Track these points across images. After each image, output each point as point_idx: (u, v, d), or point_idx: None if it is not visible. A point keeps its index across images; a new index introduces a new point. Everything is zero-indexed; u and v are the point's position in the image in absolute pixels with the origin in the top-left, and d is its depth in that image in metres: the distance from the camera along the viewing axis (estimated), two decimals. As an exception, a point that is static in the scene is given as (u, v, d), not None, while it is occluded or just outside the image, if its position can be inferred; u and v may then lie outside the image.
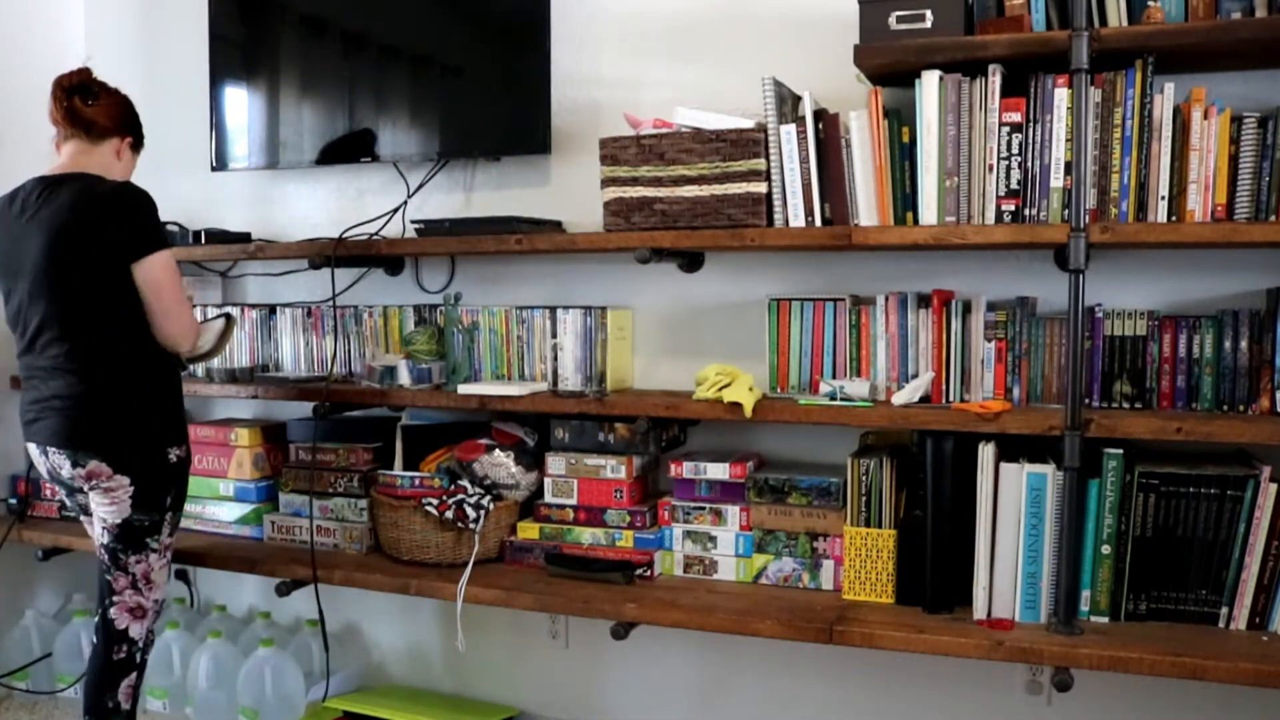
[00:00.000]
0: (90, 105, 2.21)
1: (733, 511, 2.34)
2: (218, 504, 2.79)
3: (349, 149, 2.74)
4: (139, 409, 2.18)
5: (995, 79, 2.01)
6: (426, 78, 2.65)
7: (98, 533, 2.24)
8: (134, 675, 2.26)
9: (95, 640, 2.26)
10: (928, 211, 2.07)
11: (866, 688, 2.47)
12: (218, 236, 2.80)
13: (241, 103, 2.87)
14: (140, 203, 2.16)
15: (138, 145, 2.32)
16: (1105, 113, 1.97)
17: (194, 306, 2.46)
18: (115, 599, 2.23)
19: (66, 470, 2.18)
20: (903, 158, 2.11)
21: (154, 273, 2.14)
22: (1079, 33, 1.89)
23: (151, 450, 2.19)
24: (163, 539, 2.24)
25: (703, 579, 2.36)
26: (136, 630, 2.25)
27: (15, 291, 2.19)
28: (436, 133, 2.64)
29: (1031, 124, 2.01)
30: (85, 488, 2.19)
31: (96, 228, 2.10)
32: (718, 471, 2.34)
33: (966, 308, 2.19)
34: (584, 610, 2.26)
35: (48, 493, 2.95)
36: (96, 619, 2.26)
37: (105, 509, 2.19)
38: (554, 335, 2.52)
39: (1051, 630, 2.00)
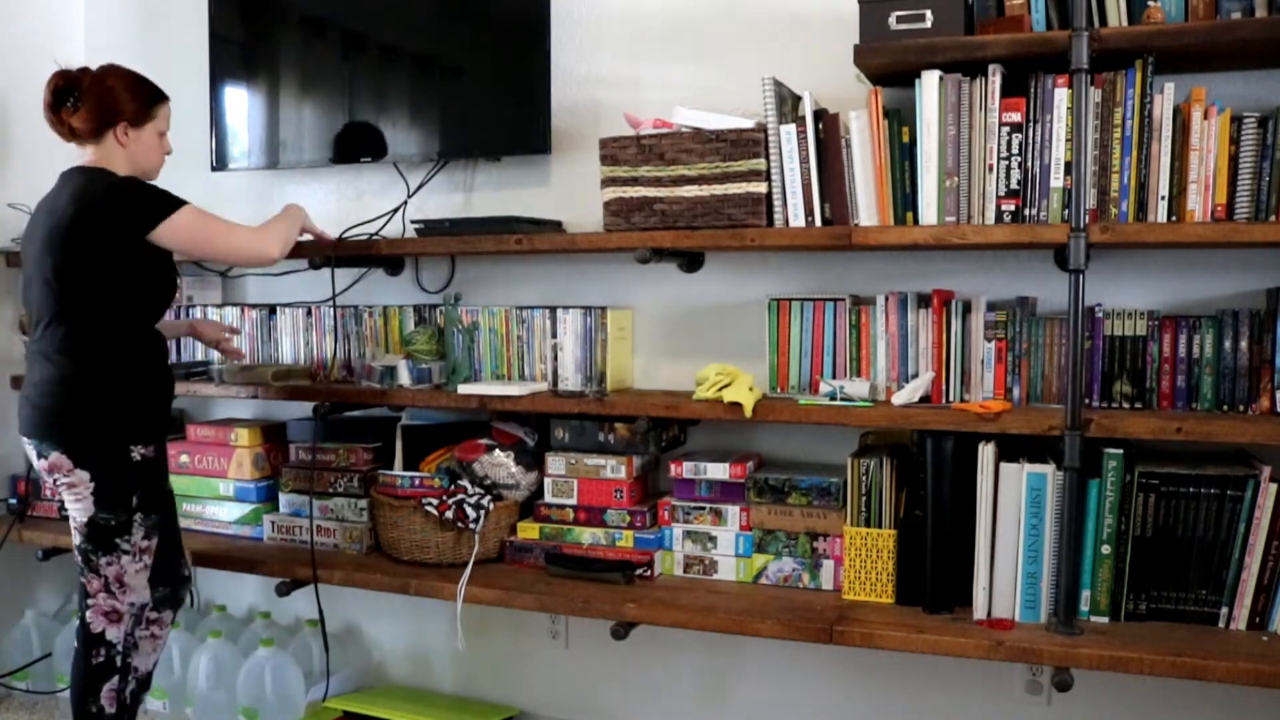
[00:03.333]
0: (75, 110, 2.20)
1: (733, 511, 2.34)
2: (218, 504, 2.79)
3: (349, 149, 2.74)
4: (105, 403, 2.16)
5: (995, 79, 2.01)
6: (426, 78, 2.65)
7: (72, 532, 2.23)
8: (116, 679, 2.24)
9: (76, 645, 2.25)
10: (928, 211, 2.07)
11: (866, 688, 2.47)
12: (218, 236, 2.80)
13: (241, 102, 2.87)
14: (133, 186, 2.17)
15: (140, 120, 2.25)
16: (1105, 113, 1.97)
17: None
18: (90, 602, 2.22)
19: (35, 461, 2.19)
20: (903, 158, 2.11)
21: (177, 232, 2.16)
22: (1079, 33, 1.89)
23: (113, 446, 2.16)
24: (135, 540, 2.20)
25: (703, 579, 2.36)
26: (114, 634, 2.23)
27: (25, 277, 2.26)
28: (436, 133, 2.64)
29: (1031, 124, 2.01)
30: (52, 481, 2.19)
31: (92, 225, 2.11)
32: (718, 471, 2.34)
33: (966, 308, 2.19)
34: (584, 610, 2.26)
35: (48, 492, 2.94)
36: (77, 623, 2.26)
37: (72, 505, 2.19)
38: (554, 335, 2.52)
39: (1051, 630, 2.00)
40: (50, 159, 2.30)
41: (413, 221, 2.58)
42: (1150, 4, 1.93)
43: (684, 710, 2.64)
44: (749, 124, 2.20)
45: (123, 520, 2.18)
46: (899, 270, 2.35)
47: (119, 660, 2.24)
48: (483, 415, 2.62)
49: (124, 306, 2.18)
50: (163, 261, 2.23)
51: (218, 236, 2.24)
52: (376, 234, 2.68)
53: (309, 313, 2.81)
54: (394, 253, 2.61)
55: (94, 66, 2.27)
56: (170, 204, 2.17)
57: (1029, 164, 2.02)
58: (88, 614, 2.22)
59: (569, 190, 2.62)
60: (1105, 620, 2.04)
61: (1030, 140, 2.01)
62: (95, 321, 2.16)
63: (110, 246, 2.13)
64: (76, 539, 2.21)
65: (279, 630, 2.93)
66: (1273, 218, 1.93)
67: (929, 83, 2.04)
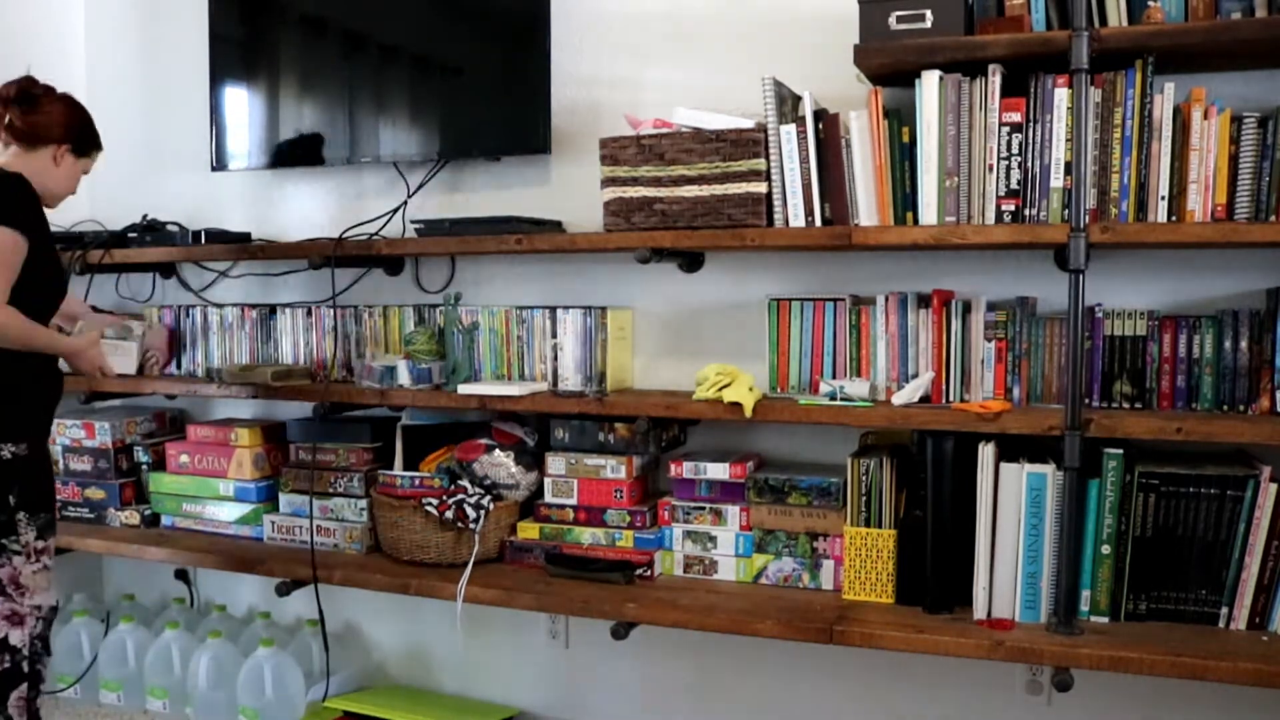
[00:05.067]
0: (27, 115, 2.19)
1: (733, 511, 2.34)
2: (218, 504, 2.79)
3: (349, 149, 2.74)
4: None
5: (995, 79, 2.01)
6: (426, 78, 2.65)
7: None
8: (24, 686, 2.17)
9: None
10: (928, 211, 2.07)
11: (866, 688, 2.47)
12: (218, 236, 2.80)
13: (241, 103, 2.87)
14: (8, 184, 2.11)
15: (81, 150, 2.28)
16: (1105, 113, 1.97)
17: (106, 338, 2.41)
18: None
19: None
20: (903, 158, 2.11)
21: None
22: (1079, 33, 1.89)
23: None
24: (25, 540, 2.16)
25: (703, 579, 2.36)
26: (17, 637, 2.16)
27: None
28: (436, 133, 2.64)
29: (1031, 124, 2.01)
30: None
31: None
32: (718, 471, 2.34)
33: (966, 308, 2.19)
34: (584, 610, 2.26)
35: (48, 493, 2.95)
36: None
37: None
38: (554, 335, 2.52)
39: (1051, 630, 2.00)
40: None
41: (413, 221, 2.58)
42: (1150, 4, 1.93)
43: (684, 710, 2.64)
44: (749, 124, 2.20)
45: (3, 520, 2.14)
46: (899, 270, 2.35)
47: (25, 666, 2.18)
48: (483, 415, 2.63)
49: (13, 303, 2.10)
50: (52, 262, 2.20)
51: None
52: (376, 234, 2.68)
53: (309, 313, 2.81)
54: (394, 253, 2.61)
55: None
56: (7, 217, 2.08)
57: (1029, 164, 2.01)
58: None
59: (569, 190, 2.62)
60: (1105, 620, 2.04)
61: (1030, 140, 2.01)
62: None
63: None
64: None
65: (279, 630, 2.93)
66: (1273, 218, 1.93)
67: (929, 83, 2.04)
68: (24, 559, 2.17)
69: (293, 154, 2.81)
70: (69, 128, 2.25)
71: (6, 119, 2.20)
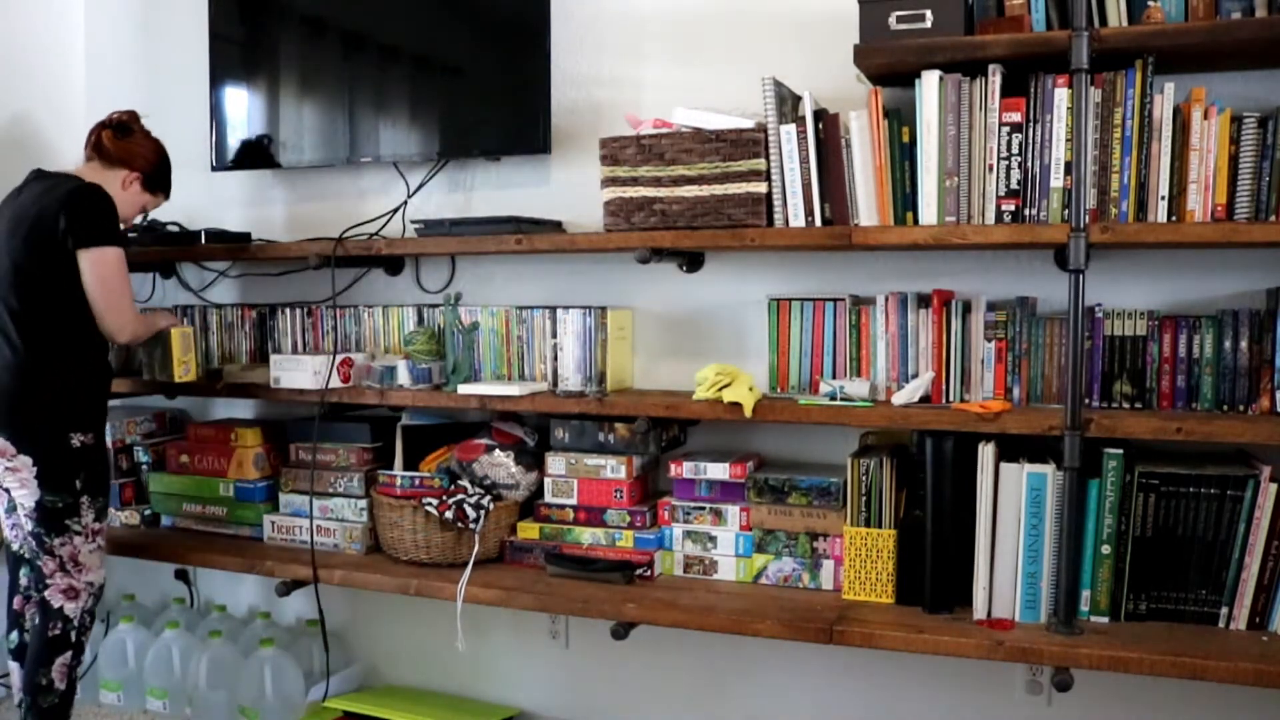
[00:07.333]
0: (117, 140, 2.44)
1: (733, 511, 2.34)
2: (218, 504, 2.79)
3: (348, 149, 2.74)
4: (46, 393, 2.28)
5: (995, 79, 2.01)
6: (426, 78, 2.65)
7: (22, 519, 2.35)
8: (69, 654, 2.36)
9: (34, 621, 2.37)
10: (928, 211, 2.07)
11: (866, 688, 2.47)
12: (218, 236, 2.80)
13: (241, 102, 2.87)
14: (98, 200, 2.31)
15: (151, 186, 2.51)
16: (1105, 113, 1.97)
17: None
18: (49, 582, 2.34)
19: None
20: (903, 158, 2.11)
21: (100, 265, 2.29)
22: (1079, 33, 1.89)
23: (52, 433, 2.29)
24: (85, 521, 2.34)
25: (703, 579, 2.36)
26: (71, 609, 2.35)
27: None
28: (436, 133, 2.64)
29: (1031, 124, 2.01)
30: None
31: (51, 218, 2.26)
32: (718, 471, 2.34)
33: (966, 308, 2.19)
34: (584, 610, 2.26)
35: None
36: (34, 603, 2.37)
37: (18, 491, 2.31)
38: (554, 335, 2.52)
39: (1051, 630, 2.00)
40: (46, 155, 2.33)
41: (413, 221, 2.58)
42: (1150, 4, 1.93)
43: (684, 710, 2.64)
44: (749, 124, 2.20)
45: (69, 502, 2.32)
46: (899, 270, 2.35)
47: (74, 636, 2.35)
48: (483, 415, 2.62)
49: (60, 302, 2.30)
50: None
51: (118, 293, 2.34)
52: (376, 234, 2.68)
53: (309, 313, 2.81)
54: (394, 253, 2.61)
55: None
56: (111, 237, 2.32)
57: (1029, 164, 2.02)
58: (46, 592, 2.32)
59: (569, 190, 2.62)
60: (1105, 620, 2.04)
61: (1030, 140, 2.01)
62: (33, 314, 2.28)
63: (58, 246, 2.27)
64: (28, 525, 2.31)
65: (279, 630, 2.93)
66: (1273, 218, 1.93)
67: (929, 83, 2.04)
68: (83, 539, 2.36)
69: (293, 154, 2.81)
70: (149, 162, 2.50)
71: (98, 139, 2.41)
